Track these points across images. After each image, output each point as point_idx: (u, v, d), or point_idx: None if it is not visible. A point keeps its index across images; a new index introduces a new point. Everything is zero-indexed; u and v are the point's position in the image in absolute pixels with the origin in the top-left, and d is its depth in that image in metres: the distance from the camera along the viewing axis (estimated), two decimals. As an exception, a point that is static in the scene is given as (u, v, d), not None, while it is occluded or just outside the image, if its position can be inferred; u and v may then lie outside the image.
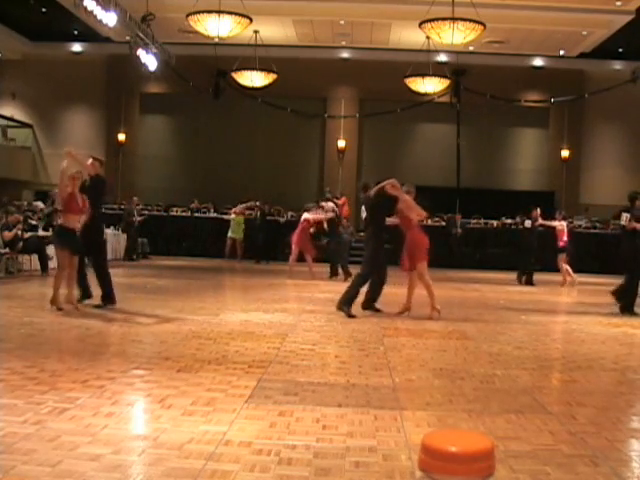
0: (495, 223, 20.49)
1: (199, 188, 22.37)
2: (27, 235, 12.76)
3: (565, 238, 14.57)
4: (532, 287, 14.30)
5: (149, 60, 17.18)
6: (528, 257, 14.88)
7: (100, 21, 14.30)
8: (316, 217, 14.04)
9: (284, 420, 3.92)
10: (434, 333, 7.22)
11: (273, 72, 19.74)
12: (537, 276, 14.89)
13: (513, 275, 15.33)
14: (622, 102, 21.85)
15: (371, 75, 22.35)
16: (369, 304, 8.87)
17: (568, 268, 14.58)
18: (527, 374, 5.44)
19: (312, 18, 19.90)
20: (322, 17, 19.78)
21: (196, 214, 20.72)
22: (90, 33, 20.57)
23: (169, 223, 20.47)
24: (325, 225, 14.09)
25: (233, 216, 18.18)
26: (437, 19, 15.33)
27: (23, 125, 23.58)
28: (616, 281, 10.46)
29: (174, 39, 20.20)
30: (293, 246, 14.23)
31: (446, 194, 20.44)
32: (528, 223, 14.78)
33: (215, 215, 20.45)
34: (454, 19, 15.09)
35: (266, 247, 18.80)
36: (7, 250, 12.17)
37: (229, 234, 18.08)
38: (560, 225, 14.66)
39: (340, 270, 13.56)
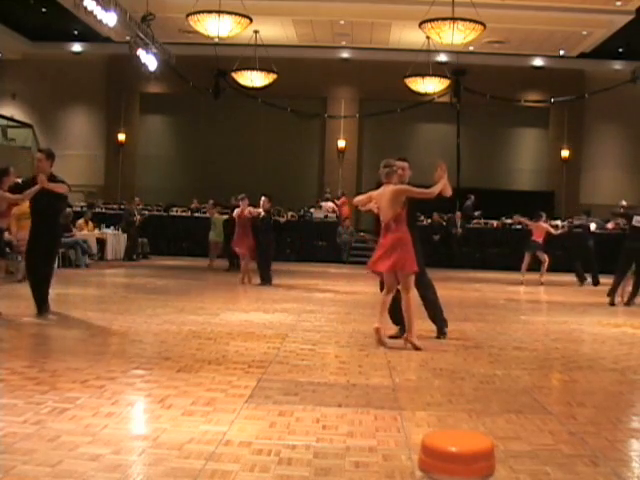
0: (495, 223, 20.48)
1: (199, 188, 22.35)
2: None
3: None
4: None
5: (149, 60, 17.20)
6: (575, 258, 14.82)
7: (100, 21, 14.33)
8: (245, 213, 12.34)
9: (284, 420, 3.92)
10: (434, 333, 7.21)
11: (273, 72, 19.74)
12: (548, 277, 14.70)
13: (513, 275, 15.27)
14: (622, 102, 21.85)
15: (371, 75, 22.35)
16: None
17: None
18: (527, 374, 5.44)
19: (312, 18, 19.91)
20: (322, 17, 19.79)
21: (196, 214, 20.71)
22: (90, 33, 20.56)
23: (169, 223, 20.45)
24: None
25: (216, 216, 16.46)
26: (437, 19, 15.35)
27: (23, 125, 23.55)
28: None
29: (174, 39, 20.22)
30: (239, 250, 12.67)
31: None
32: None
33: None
34: (454, 19, 15.11)
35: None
36: (8, 250, 12.12)
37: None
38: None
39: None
